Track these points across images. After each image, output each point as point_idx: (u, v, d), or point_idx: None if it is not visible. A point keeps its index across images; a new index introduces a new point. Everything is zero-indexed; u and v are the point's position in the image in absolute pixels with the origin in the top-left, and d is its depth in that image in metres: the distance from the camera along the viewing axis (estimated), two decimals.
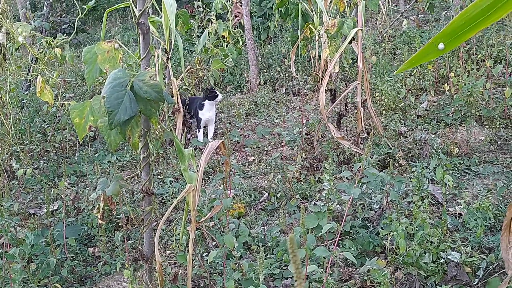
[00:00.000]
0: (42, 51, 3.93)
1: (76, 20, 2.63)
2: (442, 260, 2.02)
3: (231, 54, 4.33)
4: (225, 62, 4.19)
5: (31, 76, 4.20)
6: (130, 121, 1.52)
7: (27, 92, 5.26)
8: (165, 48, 2.68)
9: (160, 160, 3.85)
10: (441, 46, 0.83)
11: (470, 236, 2.23)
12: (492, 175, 2.88)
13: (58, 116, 4.54)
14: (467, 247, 2.10)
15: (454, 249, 2.08)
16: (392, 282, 2.01)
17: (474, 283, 1.96)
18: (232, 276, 2.02)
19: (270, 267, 2.16)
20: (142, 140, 1.73)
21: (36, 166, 3.94)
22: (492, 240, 2.18)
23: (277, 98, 5.12)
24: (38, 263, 2.37)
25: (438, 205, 2.61)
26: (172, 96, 3.14)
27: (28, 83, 5.30)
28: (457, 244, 2.12)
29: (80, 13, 2.91)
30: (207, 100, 4.12)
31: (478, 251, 2.14)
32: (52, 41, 3.90)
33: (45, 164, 3.94)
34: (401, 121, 3.73)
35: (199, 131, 4.23)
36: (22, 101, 4.99)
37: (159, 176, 3.54)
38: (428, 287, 1.99)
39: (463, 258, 2.03)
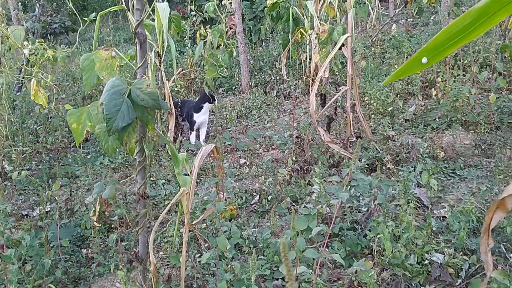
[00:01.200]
0: (34, 53, 3.96)
1: (78, 32, 2.67)
2: (427, 261, 2.10)
3: (224, 64, 4.42)
4: (219, 71, 4.28)
5: (23, 77, 4.22)
6: (128, 128, 1.57)
7: (18, 93, 5.26)
8: (157, 51, 2.71)
9: (153, 162, 3.88)
10: (424, 60, 0.90)
11: (454, 238, 2.30)
12: (476, 179, 2.97)
13: (50, 118, 4.55)
14: (450, 249, 2.18)
15: (438, 250, 2.16)
16: (378, 283, 2.08)
17: (457, 284, 2.04)
18: (224, 277, 2.08)
19: (261, 268, 2.22)
20: (138, 145, 1.78)
21: (28, 167, 3.95)
22: (475, 242, 2.25)
23: (268, 101, 5.18)
24: (33, 264, 2.40)
25: (424, 208, 2.69)
26: (164, 99, 3.19)
27: (20, 84, 5.30)
28: (441, 246, 2.20)
29: (72, 12, 2.94)
30: (206, 103, 4.16)
31: (461, 252, 2.22)
32: (44, 42, 3.93)
33: (38, 166, 3.95)
34: (389, 125, 3.81)
35: (191, 134, 4.26)
36: (14, 103, 4.99)
37: (151, 178, 3.58)
38: (413, 287, 2.07)
39: (447, 259, 2.11)
